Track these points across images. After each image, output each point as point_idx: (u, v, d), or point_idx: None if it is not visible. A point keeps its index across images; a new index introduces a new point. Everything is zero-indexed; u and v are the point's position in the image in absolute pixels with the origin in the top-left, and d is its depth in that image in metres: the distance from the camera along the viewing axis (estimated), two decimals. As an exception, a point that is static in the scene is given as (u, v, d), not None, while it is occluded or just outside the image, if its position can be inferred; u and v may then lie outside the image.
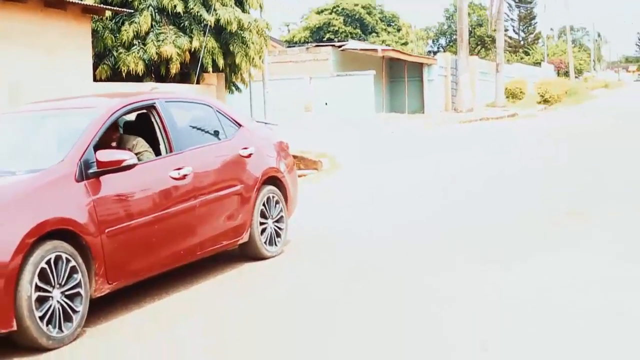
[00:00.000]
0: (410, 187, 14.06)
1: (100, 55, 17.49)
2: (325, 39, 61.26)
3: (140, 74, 17.43)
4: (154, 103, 7.55)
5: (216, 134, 8.29)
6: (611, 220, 9.98)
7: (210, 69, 18.00)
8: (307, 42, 59.11)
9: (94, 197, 6.38)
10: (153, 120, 7.52)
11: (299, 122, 29.52)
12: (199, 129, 8.18)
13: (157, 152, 7.53)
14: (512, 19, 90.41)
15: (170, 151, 7.42)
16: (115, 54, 17.53)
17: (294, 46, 50.41)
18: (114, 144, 7.35)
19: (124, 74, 17.48)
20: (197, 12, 17.57)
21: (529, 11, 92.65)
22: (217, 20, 17.63)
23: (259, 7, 19.75)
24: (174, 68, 17.24)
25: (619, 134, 23.49)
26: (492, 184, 13.94)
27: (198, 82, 18.08)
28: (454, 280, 7.30)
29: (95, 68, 16.89)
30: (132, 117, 7.98)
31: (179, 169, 7.30)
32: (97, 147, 6.65)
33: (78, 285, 6.14)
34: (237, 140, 8.36)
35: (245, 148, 8.41)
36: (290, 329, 6.20)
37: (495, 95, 46.95)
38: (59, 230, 6.05)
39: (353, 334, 5.96)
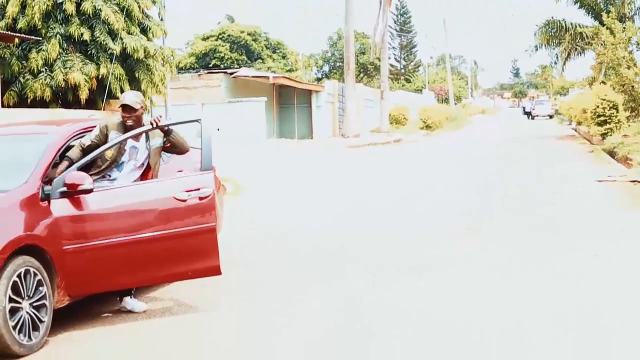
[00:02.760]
0: (315, 207, 14.90)
1: (7, 81, 17.72)
2: (211, 65, 61.73)
3: (48, 100, 17.74)
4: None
5: (155, 157, 8.87)
6: (498, 236, 11.10)
7: (119, 95, 18.45)
8: (193, 68, 59.47)
9: (57, 216, 6.91)
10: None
11: (191, 147, 29.93)
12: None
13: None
14: (393, 47, 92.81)
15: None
16: (22, 80, 17.80)
17: (180, 72, 50.72)
18: (137, 143, 7.87)
19: (29, 100, 17.76)
20: (104, 40, 18.02)
21: (409, 40, 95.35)
22: (124, 49, 18.12)
23: (163, 33, 20.33)
24: (84, 94, 17.62)
25: (498, 158, 25.03)
26: (389, 203, 14.89)
27: (104, 109, 18.48)
28: (366, 286, 8.16)
29: (2, 94, 17.11)
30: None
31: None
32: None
33: (44, 297, 6.65)
34: (174, 163, 8.93)
35: (180, 171, 8.98)
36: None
37: (380, 121, 48.42)
38: (27, 246, 6.55)
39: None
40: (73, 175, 7.07)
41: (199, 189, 7.49)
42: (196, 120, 7.96)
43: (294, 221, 13.30)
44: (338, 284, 8.49)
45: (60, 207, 6.99)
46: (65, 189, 7.01)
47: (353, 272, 9.09)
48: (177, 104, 32.56)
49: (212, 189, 7.55)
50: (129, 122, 7.86)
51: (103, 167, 7.74)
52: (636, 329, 6.48)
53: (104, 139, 7.76)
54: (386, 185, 18.57)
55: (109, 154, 7.75)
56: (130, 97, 7.96)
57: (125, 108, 7.86)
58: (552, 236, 10.87)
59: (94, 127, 8.12)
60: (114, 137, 7.75)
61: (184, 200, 7.43)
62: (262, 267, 9.58)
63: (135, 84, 18.99)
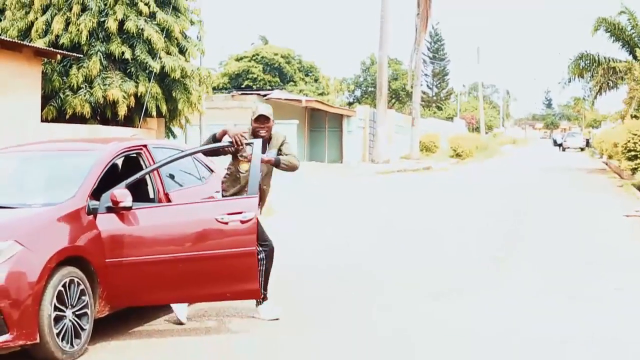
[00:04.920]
0: (343, 230, 15.14)
1: (47, 96, 18.14)
2: (244, 86, 62.18)
3: (86, 117, 18.14)
4: (145, 147, 8.44)
5: (195, 177, 9.20)
6: (524, 265, 11.35)
7: (155, 114, 18.83)
8: (226, 89, 60.03)
9: (102, 229, 7.23)
10: (142, 162, 8.38)
11: (224, 166, 30.36)
12: (181, 172, 9.04)
13: (147, 193, 8.39)
14: (426, 75, 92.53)
15: (159, 192, 8.26)
16: (62, 95, 18.22)
17: (213, 91, 51.15)
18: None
19: (68, 116, 18.18)
20: (144, 59, 18.41)
21: (442, 67, 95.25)
22: (162, 68, 18.50)
23: (201, 53, 20.71)
24: (122, 111, 18.01)
25: (527, 188, 25.15)
26: (417, 229, 15.10)
27: (141, 126, 18.87)
28: (404, 311, 8.40)
29: (41, 109, 17.51)
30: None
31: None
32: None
33: (86, 306, 6.94)
34: (211, 184, 9.24)
35: (218, 192, 9.26)
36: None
37: (410, 147, 48.53)
38: (72, 257, 6.86)
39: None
40: (117, 192, 7.36)
41: (241, 213, 7.54)
42: (250, 144, 8.11)
43: (324, 242, 13.59)
44: (360, 308, 8.71)
45: (106, 222, 7.30)
46: (111, 204, 7.31)
47: (376, 294, 9.33)
48: (210, 124, 33.00)
49: (255, 213, 7.59)
50: (262, 132, 8.15)
51: (241, 183, 8.15)
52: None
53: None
54: (415, 211, 18.74)
55: (245, 167, 8.14)
56: (264, 108, 8.23)
57: (260, 118, 8.16)
58: (576, 267, 11.07)
59: (139, 146, 8.46)
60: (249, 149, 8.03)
61: (226, 223, 7.51)
62: (295, 288, 9.82)
63: (172, 103, 19.37)
